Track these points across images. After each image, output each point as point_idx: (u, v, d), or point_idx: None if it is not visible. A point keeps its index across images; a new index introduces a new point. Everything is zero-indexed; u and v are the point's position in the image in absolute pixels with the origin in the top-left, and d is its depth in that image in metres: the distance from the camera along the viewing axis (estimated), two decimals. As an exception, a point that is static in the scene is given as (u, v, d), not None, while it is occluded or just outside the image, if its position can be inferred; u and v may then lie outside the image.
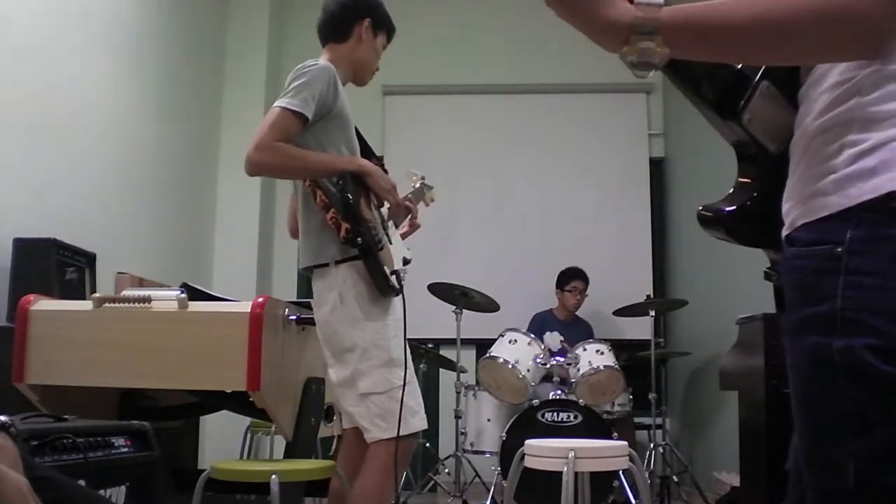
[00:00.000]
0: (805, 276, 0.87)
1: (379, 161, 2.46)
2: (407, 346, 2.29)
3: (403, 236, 2.59)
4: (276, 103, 2.18)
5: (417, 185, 2.75)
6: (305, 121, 2.18)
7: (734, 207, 0.99)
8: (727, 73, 0.94)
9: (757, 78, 0.97)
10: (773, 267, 1.03)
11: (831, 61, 0.89)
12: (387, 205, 2.42)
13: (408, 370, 2.25)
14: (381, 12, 2.47)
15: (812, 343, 0.87)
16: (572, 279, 5.24)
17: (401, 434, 2.18)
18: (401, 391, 2.20)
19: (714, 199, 1.04)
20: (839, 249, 0.84)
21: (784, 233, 0.93)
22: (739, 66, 0.96)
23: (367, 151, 2.47)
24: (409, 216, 2.63)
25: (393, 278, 2.25)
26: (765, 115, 0.97)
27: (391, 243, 2.34)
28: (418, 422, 2.27)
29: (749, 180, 1.00)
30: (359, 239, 2.16)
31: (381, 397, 2.21)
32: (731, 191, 1.01)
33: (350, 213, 2.17)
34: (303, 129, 2.20)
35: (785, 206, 0.94)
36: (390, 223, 2.43)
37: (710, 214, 1.01)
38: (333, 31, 2.44)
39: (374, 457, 2.21)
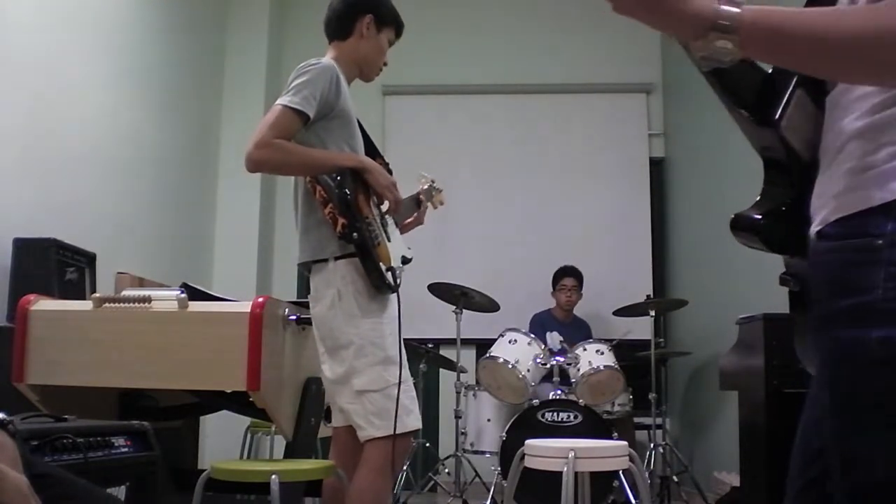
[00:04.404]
0: (840, 268, 0.88)
1: (383, 161, 2.47)
2: (402, 345, 2.29)
3: (404, 229, 2.59)
4: (278, 101, 2.20)
5: (426, 187, 2.77)
6: (306, 119, 2.19)
7: (766, 213, 1.00)
8: (763, 82, 0.95)
9: (792, 86, 0.97)
10: (789, 272, 1.03)
11: None
12: (386, 203, 2.42)
13: (403, 369, 2.25)
14: (385, 8, 2.47)
15: (849, 335, 0.87)
16: (562, 277, 5.27)
17: (396, 433, 2.17)
18: (396, 389, 2.19)
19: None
20: (879, 241, 0.85)
21: (815, 229, 0.93)
22: (771, 74, 0.96)
23: (371, 151, 2.48)
24: (418, 209, 2.68)
25: (389, 275, 2.25)
26: (799, 122, 0.98)
27: (390, 241, 2.35)
28: (413, 421, 2.26)
29: (777, 186, 1.00)
30: (354, 234, 2.17)
31: (377, 395, 2.20)
32: (758, 198, 1.01)
33: (347, 208, 2.17)
34: (304, 127, 2.21)
35: (815, 204, 0.94)
36: (390, 221, 2.44)
37: (742, 222, 1.01)
38: (337, 28, 2.45)
39: (370, 456, 2.21)
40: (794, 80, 0.99)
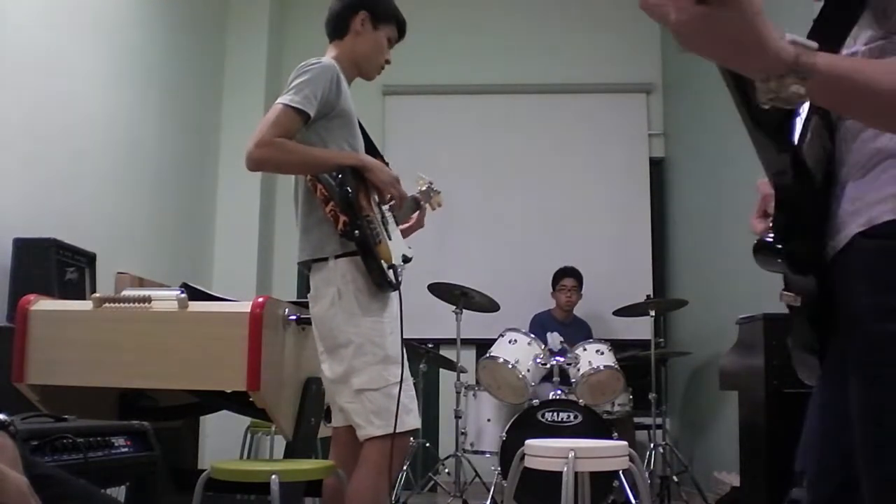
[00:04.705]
0: (891, 266, 0.92)
1: (383, 161, 2.47)
2: (402, 344, 2.29)
3: (404, 233, 2.60)
4: (278, 100, 2.20)
5: (424, 189, 2.77)
6: (307, 118, 2.20)
7: (783, 236, 1.03)
8: (783, 111, 0.97)
9: (807, 112, 1.01)
10: (792, 288, 1.06)
11: None
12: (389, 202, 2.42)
13: (403, 368, 2.25)
14: (381, 5, 2.46)
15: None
16: (562, 277, 5.27)
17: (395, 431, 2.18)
18: (396, 388, 2.19)
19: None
20: None
21: (857, 229, 0.96)
22: None
23: (372, 150, 2.48)
24: (417, 211, 2.68)
25: (390, 273, 2.25)
26: (814, 146, 1.01)
27: (391, 239, 2.35)
28: (412, 420, 2.26)
29: (791, 209, 1.03)
30: (356, 232, 2.17)
31: (376, 394, 2.20)
32: (771, 223, 1.04)
33: (348, 206, 2.18)
34: (304, 126, 2.21)
35: (850, 208, 0.98)
36: (391, 220, 2.44)
37: (763, 246, 1.03)
38: (334, 27, 2.45)
39: (369, 455, 2.21)
40: (808, 107, 1.01)
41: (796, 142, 0.99)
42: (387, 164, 2.44)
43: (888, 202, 0.94)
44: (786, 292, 1.07)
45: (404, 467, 4.52)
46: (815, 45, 0.82)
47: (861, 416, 0.95)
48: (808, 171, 1.01)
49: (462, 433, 4.48)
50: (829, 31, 0.94)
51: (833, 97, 0.86)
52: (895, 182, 0.93)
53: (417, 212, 2.72)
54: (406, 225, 2.66)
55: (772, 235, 1.03)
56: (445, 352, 4.99)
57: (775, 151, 0.99)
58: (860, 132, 1.00)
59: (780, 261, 1.02)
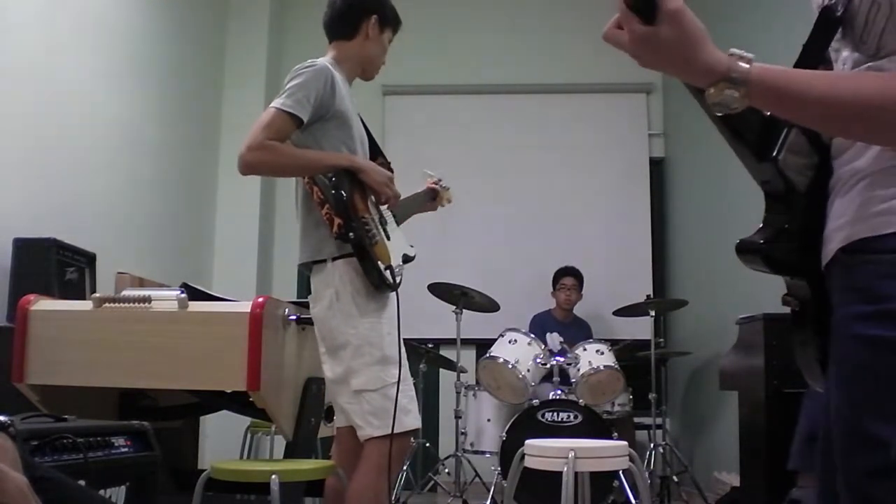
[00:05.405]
0: (874, 278, 0.97)
1: (385, 160, 2.47)
2: (402, 345, 2.29)
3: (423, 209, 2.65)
4: (271, 104, 2.20)
5: (433, 183, 2.79)
6: (300, 122, 2.19)
7: (767, 238, 1.09)
8: (762, 121, 1.05)
9: (787, 125, 1.07)
10: (791, 293, 1.11)
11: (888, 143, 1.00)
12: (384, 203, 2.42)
13: (401, 368, 2.25)
14: (388, 9, 2.49)
15: (875, 333, 0.95)
16: (562, 276, 5.28)
17: (394, 432, 2.18)
18: (394, 389, 2.19)
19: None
20: None
21: (841, 244, 1.02)
22: (768, 114, 1.06)
23: (375, 150, 2.48)
24: (434, 198, 2.76)
25: (388, 274, 2.25)
26: (794, 156, 1.07)
27: (389, 239, 2.35)
28: (411, 420, 2.26)
29: (777, 215, 1.10)
30: (350, 234, 2.17)
31: (374, 395, 2.21)
32: (760, 226, 1.10)
33: (343, 209, 2.18)
34: (297, 129, 2.21)
35: (836, 223, 1.04)
36: (390, 220, 2.44)
37: (746, 246, 1.10)
38: (340, 28, 2.44)
39: (368, 455, 2.21)
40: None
41: (775, 152, 1.05)
42: (388, 162, 2.44)
43: (865, 221, 0.99)
44: (786, 296, 1.12)
45: (404, 467, 4.52)
46: (750, 56, 0.94)
47: (832, 417, 1.00)
48: (789, 180, 1.07)
49: (462, 433, 4.48)
50: (809, 52, 1.06)
51: (768, 101, 0.97)
52: (871, 202, 0.99)
53: (436, 198, 2.79)
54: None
55: (762, 239, 1.08)
56: (445, 352, 4.99)
57: (755, 161, 1.06)
58: (843, 151, 1.05)
59: (760, 259, 1.08)
